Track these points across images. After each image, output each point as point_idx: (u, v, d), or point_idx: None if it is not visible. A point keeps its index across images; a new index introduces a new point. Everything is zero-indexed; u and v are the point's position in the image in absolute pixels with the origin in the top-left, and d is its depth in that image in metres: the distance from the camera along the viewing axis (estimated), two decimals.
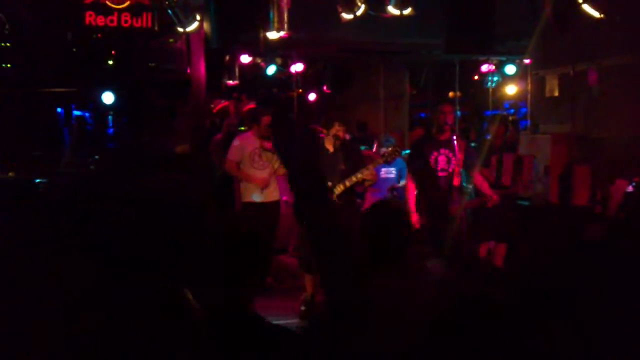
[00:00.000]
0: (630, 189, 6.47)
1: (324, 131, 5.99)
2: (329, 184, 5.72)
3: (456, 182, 6.14)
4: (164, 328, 2.17)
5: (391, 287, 2.63)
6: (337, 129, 5.82)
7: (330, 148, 5.86)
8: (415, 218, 6.02)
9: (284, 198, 7.16)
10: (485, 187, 6.15)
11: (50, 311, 2.50)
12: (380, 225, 2.78)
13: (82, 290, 2.64)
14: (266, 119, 6.86)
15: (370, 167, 5.70)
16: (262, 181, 6.82)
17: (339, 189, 5.60)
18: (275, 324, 2.32)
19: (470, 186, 6.72)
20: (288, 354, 2.23)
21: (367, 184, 5.94)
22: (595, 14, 6.84)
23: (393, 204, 3.32)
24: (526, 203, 7.44)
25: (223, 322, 2.23)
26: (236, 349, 2.18)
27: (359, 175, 5.66)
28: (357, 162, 5.81)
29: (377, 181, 7.51)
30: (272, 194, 6.96)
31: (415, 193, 6.13)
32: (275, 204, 7.01)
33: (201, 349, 2.14)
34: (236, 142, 7.06)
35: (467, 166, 6.19)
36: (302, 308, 6.01)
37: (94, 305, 2.38)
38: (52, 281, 2.74)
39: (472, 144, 7.39)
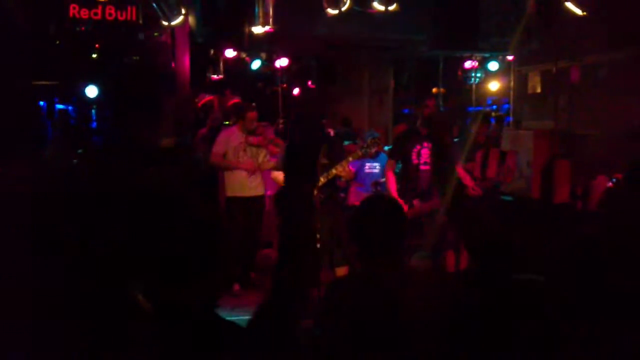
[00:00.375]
0: (610, 185, 6.56)
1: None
2: None
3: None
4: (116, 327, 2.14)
5: (386, 280, 2.60)
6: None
7: None
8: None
9: (268, 192, 7.16)
10: (467, 180, 6.20)
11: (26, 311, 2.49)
12: (378, 219, 2.71)
13: (54, 288, 2.63)
14: (251, 114, 6.87)
15: (344, 162, 5.70)
16: (250, 165, 6.82)
17: (320, 182, 5.61)
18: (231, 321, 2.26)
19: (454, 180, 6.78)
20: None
21: (343, 179, 5.95)
22: (578, 11, 6.91)
23: (389, 198, 3.23)
24: (509, 198, 7.51)
25: (188, 321, 2.17)
26: (197, 348, 2.14)
27: (333, 171, 5.67)
28: (338, 156, 5.82)
29: (361, 176, 7.55)
30: (257, 188, 6.96)
31: (395, 184, 6.17)
32: (260, 199, 7.01)
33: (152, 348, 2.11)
34: (221, 136, 7.05)
35: (450, 159, 6.24)
36: None
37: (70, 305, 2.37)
38: (25, 278, 2.73)
39: (455, 140, 7.44)
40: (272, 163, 6.69)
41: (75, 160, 9.16)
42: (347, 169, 5.74)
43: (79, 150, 9.60)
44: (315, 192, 5.54)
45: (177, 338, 2.10)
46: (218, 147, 6.94)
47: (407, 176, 6.18)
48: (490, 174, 6.84)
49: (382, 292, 2.51)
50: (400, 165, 6.32)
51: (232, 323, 2.22)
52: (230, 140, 6.92)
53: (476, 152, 6.68)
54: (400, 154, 6.23)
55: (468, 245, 2.55)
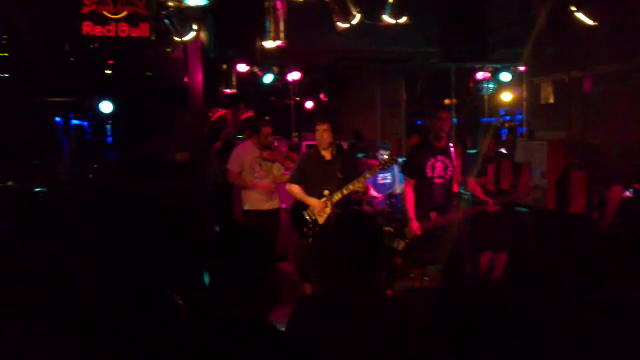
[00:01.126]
0: (627, 194, 6.52)
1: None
2: (326, 192, 5.73)
3: (455, 188, 6.17)
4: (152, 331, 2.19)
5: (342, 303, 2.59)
6: (318, 128, 5.82)
7: (327, 155, 5.86)
8: (415, 225, 6.05)
9: (283, 205, 7.19)
10: (478, 192, 6.17)
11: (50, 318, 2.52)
12: (351, 237, 2.70)
13: (78, 297, 2.66)
14: (266, 129, 6.92)
15: (362, 179, 5.69)
16: (267, 186, 6.87)
17: (336, 197, 5.61)
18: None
19: (469, 193, 6.75)
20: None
21: (360, 194, 5.95)
22: (589, 21, 6.90)
23: (364, 215, 3.21)
24: (525, 210, 7.48)
25: (239, 328, 2.22)
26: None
27: (350, 187, 5.67)
28: (353, 170, 5.82)
29: (374, 187, 7.56)
30: (273, 202, 7.01)
31: (413, 200, 6.15)
32: (276, 212, 7.06)
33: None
34: (236, 152, 7.11)
35: (465, 173, 6.23)
36: None
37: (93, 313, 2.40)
38: (49, 289, 2.76)
39: (469, 152, 7.43)
40: (286, 176, 6.72)
41: (90, 175, 9.25)
42: (364, 184, 5.74)
43: (95, 165, 9.69)
44: (332, 208, 5.54)
45: (223, 346, 2.15)
46: (233, 165, 6.99)
47: (422, 190, 6.16)
48: (505, 185, 6.81)
49: (347, 307, 2.51)
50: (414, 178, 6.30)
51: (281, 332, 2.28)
52: (245, 155, 6.98)
53: (487, 166, 6.66)
54: (415, 170, 6.21)
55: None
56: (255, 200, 6.94)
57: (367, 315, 2.49)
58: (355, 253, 2.67)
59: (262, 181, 6.94)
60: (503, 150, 7.88)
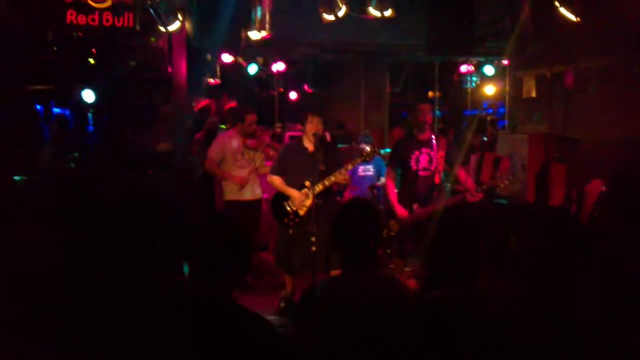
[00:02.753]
0: (604, 188, 6.59)
1: (302, 128, 6.03)
2: (307, 182, 5.75)
3: (437, 179, 6.21)
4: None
5: (362, 287, 2.63)
6: (311, 120, 5.83)
7: (310, 147, 5.88)
8: (400, 211, 6.09)
9: (265, 196, 7.21)
10: (469, 183, 6.21)
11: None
12: (355, 224, 2.75)
13: (58, 284, 2.67)
14: (251, 117, 6.92)
15: (343, 170, 5.71)
16: (241, 180, 6.87)
17: (318, 188, 5.63)
18: (255, 313, 2.37)
19: (449, 184, 6.81)
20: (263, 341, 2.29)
21: (342, 185, 5.98)
22: (572, 17, 6.96)
23: (366, 201, 3.23)
24: (504, 201, 7.56)
25: (204, 308, 2.28)
26: (213, 334, 2.23)
27: (332, 178, 5.69)
28: (336, 162, 5.84)
29: (356, 179, 7.59)
30: (256, 191, 7.02)
31: (395, 190, 6.20)
32: (257, 202, 7.06)
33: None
34: (219, 140, 7.10)
35: (449, 163, 6.26)
36: (281, 305, 6.07)
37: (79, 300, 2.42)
38: (30, 277, 2.76)
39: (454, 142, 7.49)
40: (268, 167, 6.73)
41: (72, 164, 9.19)
42: (345, 175, 5.76)
43: (76, 154, 9.63)
44: (313, 199, 5.55)
45: (200, 325, 2.19)
46: (214, 153, 6.98)
47: (407, 182, 6.20)
48: (485, 178, 6.88)
49: (354, 299, 2.54)
50: (399, 171, 6.34)
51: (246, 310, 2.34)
52: (228, 144, 6.96)
53: (470, 156, 6.71)
54: (399, 161, 6.25)
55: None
56: (235, 191, 6.93)
57: (377, 299, 2.53)
58: (366, 240, 2.73)
59: (240, 171, 6.93)
60: (485, 139, 7.97)
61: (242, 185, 6.88)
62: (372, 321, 2.46)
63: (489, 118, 11.36)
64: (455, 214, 2.69)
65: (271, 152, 7.09)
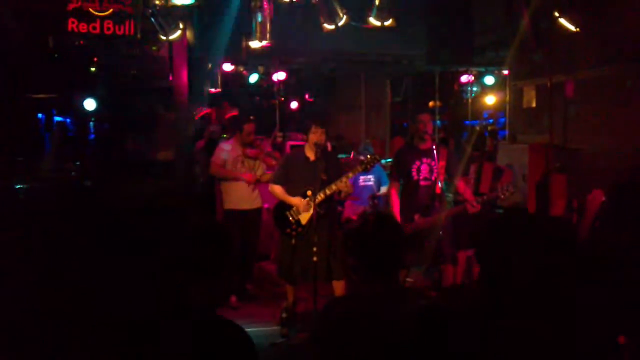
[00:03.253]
0: (605, 198, 6.59)
1: (305, 137, 6.03)
2: (309, 192, 5.75)
3: (438, 190, 6.21)
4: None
5: (383, 299, 2.58)
6: (315, 131, 5.83)
7: (312, 156, 5.88)
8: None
9: (266, 205, 7.20)
10: (468, 194, 6.21)
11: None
12: (378, 236, 2.67)
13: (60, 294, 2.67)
14: (248, 127, 6.92)
15: (344, 179, 5.71)
16: (250, 177, 6.86)
17: (319, 198, 5.62)
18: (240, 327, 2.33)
19: (451, 195, 6.80)
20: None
21: (343, 194, 5.97)
22: (572, 27, 6.98)
23: (387, 215, 3.15)
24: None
25: (189, 320, 2.26)
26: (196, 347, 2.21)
27: (333, 187, 5.68)
28: (337, 171, 5.83)
29: (356, 189, 7.58)
30: (255, 201, 7.00)
31: (398, 203, 6.19)
32: (257, 211, 7.04)
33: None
34: (220, 147, 7.11)
35: (450, 173, 6.26)
36: (283, 315, 6.05)
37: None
38: (30, 285, 2.76)
39: (454, 153, 7.49)
40: (268, 175, 6.72)
41: (72, 172, 9.20)
42: (347, 184, 5.75)
43: (77, 163, 9.65)
44: (314, 208, 5.55)
45: (179, 336, 2.18)
46: (217, 158, 6.98)
47: (408, 192, 6.20)
48: (484, 189, 6.87)
49: (378, 311, 2.52)
50: (400, 182, 6.33)
51: (231, 322, 2.30)
52: (228, 152, 6.97)
53: (470, 166, 6.70)
54: (401, 173, 6.24)
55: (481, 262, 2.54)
56: (235, 200, 6.91)
57: (393, 319, 2.49)
58: (385, 256, 2.66)
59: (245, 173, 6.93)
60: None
61: (251, 182, 6.88)
62: (390, 337, 2.43)
63: (489, 128, 11.35)
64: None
65: (272, 162, 7.09)
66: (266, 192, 6.68)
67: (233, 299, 6.74)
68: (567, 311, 2.18)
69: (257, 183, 6.95)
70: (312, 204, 5.63)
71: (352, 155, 8.84)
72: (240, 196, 6.90)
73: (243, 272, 6.98)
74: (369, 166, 5.86)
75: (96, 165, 10.13)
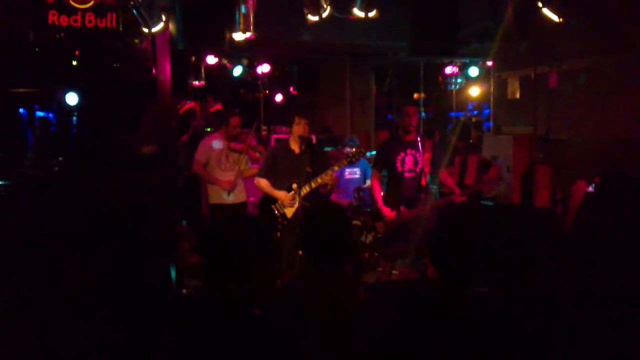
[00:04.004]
0: (590, 189, 6.62)
1: (289, 130, 6.01)
2: (295, 185, 5.74)
3: (423, 182, 6.22)
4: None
5: (328, 293, 2.57)
6: (298, 122, 5.83)
7: (296, 149, 5.87)
8: (386, 211, 6.07)
9: (251, 199, 7.18)
10: (449, 182, 6.23)
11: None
12: (321, 228, 2.69)
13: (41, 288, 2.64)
14: (235, 120, 6.88)
15: (330, 172, 5.70)
16: (228, 184, 6.83)
17: (304, 190, 5.61)
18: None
19: (435, 186, 6.82)
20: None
21: (328, 187, 5.97)
22: (555, 17, 7.00)
23: (335, 205, 3.18)
24: (490, 203, 7.57)
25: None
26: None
27: (319, 180, 5.68)
28: (322, 164, 5.84)
29: (342, 182, 7.58)
30: (240, 195, 6.98)
31: (380, 192, 6.20)
32: (242, 205, 7.02)
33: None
34: (204, 142, 7.07)
35: (435, 166, 6.28)
36: None
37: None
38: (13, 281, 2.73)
39: (438, 144, 7.50)
40: (254, 170, 6.71)
41: (55, 168, 9.10)
42: (333, 177, 5.75)
43: (59, 158, 9.54)
44: (300, 201, 5.55)
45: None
46: (200, 156, 6.96)
47: (392, 184, 6.20)
48: (469, 181, 6.89)
49: (310, 304, 2.50)
50: (385, 173, 6.34)
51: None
52: (213, 147, 6.94)
53: (454, 158, 6.72)
54: (384, 163, 6.26)
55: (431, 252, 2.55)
56: (219, 195, 6.91)
57: (337, 307, 2.48)
58: (323, 245, 2.65)
59: (224, 174, 6.91)
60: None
61: (230, 189, 6.84)
62: (327, 327, 2.41)
63: (473, 120, 11.38)
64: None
65: (256, 155, 7.07)
66: (252, 186, 6.66)
67: None
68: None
69: (242, 177, 6.92)
70: (297, 197, 5.62)
71: (338, 149, 8.82)
72: (221, 190, 6.89)
73: None
74: (354, 159, 5.86)
75: (79, 160, 10.03)
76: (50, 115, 11.83)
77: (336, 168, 5.78)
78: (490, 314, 2.17)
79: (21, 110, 11.12)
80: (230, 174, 6.90)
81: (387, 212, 6.08)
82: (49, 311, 2.49)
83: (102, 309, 2.45)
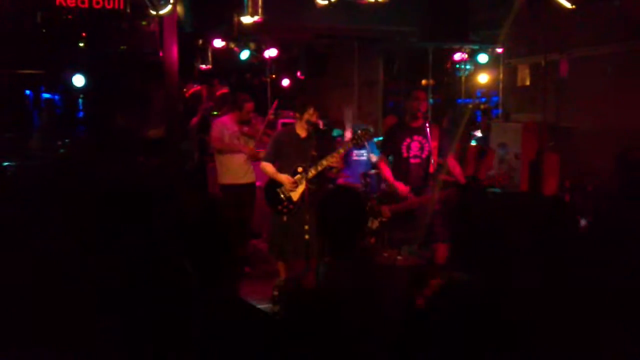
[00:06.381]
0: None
1: (297, 115, 5.99)
2: (300, 168, 5.75)
3: (431, 169, 6.18)
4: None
5: (344, 278, 2.59)
6: (311, 114, 5.82)
7: (302, 133, 5.86)
8: (401, 187, 6.02)
9: (258, 183, 7.19)
10: (457, 172, 6.18)
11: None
12: (338, 212, 2.70)
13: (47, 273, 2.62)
14: (249, 105, 7.02)
15: (335, 154, 5.70)
16: (250, 151, 6.98)
17: (311, 173, 5.61)
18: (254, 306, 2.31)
19: (443, 174, 6.77)
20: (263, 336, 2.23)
21: (335, 170, 5.96)
22: (567, 4, 6.92)
23: (350, 189, 3.18)
24: (497, 190, 7.52)
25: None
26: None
27: (324, 162, 5.67)
28: (328, 148, 5.83)
29: (349, 164, 7.56)
30: (249, 175, 7.10)
31: (388, 169, 6.16)
32: (252, 186, 7.16)
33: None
34: (217, 122, 7.22)
35: (442, 154, 6.22)
36: (275, 293, 6.03)
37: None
38: (20, 265, 2.71)
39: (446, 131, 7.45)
40: (260, 153, 6.73)
41: (61, 150, 9.10)
42: (338, 159, 5.75)
43: (66, 140, 9.54)
44: (306, 184, 5.54)
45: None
46: (217, 133, 7.08)
47: (398, 170, 6.16)
48: (469, 171, 6.84)
49: (341, 285, 2.51)
50: (391, 159, 6.30)
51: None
52: (225, 129, 7.07)
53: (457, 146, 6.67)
54: (390, 148, 6.22)
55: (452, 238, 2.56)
56: (230, 175, 7.03)
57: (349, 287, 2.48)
58: (336, 227, 2.66)
59: (236, 156, 7.03)
60: (477, 133, 7.87)
61: (251, 154, 6.96)
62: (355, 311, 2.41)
63: (482, 107, 11.31)
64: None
65: (267, 139, 7.14)
66: (259, 170, 6.70)
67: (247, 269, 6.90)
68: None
69: (253, 159, 6.99)
70: (302, 180, 5.63)
71: (345, 134, 8.79)
72: (235, 170, 7.02)
73: (237, 248, 7.05)
74: (360, 141, 5.83)
75: (85, 142, 10.03)
76: (57, 97, 11.81)
77: (341, 151, 5.78)
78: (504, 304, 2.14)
79: (27, 92, 11.10)
80: (241, 156, 7.02)
81: (401, 186, 6.03)
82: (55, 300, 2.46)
83: (111, 299, 2.42)
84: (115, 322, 2.28)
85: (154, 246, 2.73)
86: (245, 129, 7.08)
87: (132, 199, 3.50)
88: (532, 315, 2.10)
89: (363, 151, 7.80)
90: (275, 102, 8.23)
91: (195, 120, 9.07)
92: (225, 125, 7.08)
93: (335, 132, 9.38)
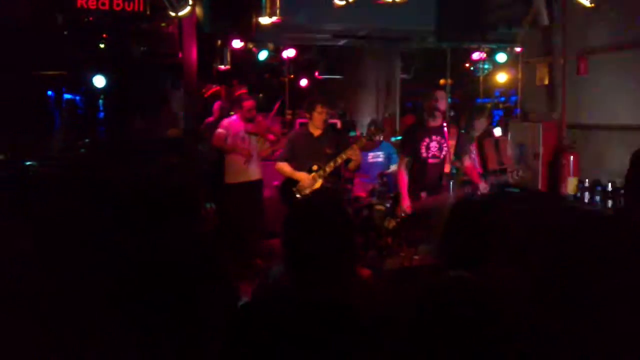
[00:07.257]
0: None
1: (307, 115, 6.06)
2: (315, 166, 5.80)
3: (447, 168, 6.16)
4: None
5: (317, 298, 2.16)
6: (320, 112, 5.87)
7: (316, 132, 5.92)
8: (406, 203, 6.04)
9: (274, 183, 7.23)
10: (475, 175, 6.15)
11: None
12: (308, 227, 2.21)
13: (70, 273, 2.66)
14: (247, 104, 7.11)
15: (354, 146, 5.75)
16: (247, 151, 7.06)
17: (329, 168, 5.66)
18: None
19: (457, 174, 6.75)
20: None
21: (352, 165, 5.97)
22: (587, 3, 6.87)
23: (329, 201, 2.39)
24: (516, 190, 7.49)
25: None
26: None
27: (343, 156, 5.72)
28: (343, 144, 5.87)
29: (365, 166, 7.56)
30: (253, 173, 7.19)
31: (405, 179, 6.14)
32: (257, 183, 7.24)
33: None
34: (224, 122, 7.34)
35: (458, 154, 6.20)
36: None
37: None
38: (42, 264, 2.75)
39: (462, 131, 7.43)
40: (269, 150, 6.93)
41: (82, 150, 9.21)
42: (356, 151, 5.79)
43: (86, 140, 9.65)
44: (321, 181, 5.59)
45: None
46: (220, 131, 7.20)
47: (416, 170, 6.14)
48: (492, 165, 6.81)
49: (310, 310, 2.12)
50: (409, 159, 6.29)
51: None
52: (231, 127, 7.17)
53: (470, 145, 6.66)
54: (410, 149, 6.17)
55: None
56: (234, 174, 7.15)
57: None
58: (317, 246, 2.22)
59: (240, 156, 7.12)
60: (496, 132, 7.79)
61: (247, 157, 7.05)
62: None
63: (500, 106, 11.27)
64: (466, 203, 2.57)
65: (272, 137, 7.31)
66: (272, 169, 6.79)
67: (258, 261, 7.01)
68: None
69: (258, 155, 7.12)
70: (318, 178, 5.69)
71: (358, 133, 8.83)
72: (237, 169, 7.13)
73: (250, 247, 7.12)
74: (372, 138, 5.87)
75: (106, 142, 10.13)
76: (78, 97, 11.95)
77: (356, 146, 5.83)
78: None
79: (49, 92, 11.24)
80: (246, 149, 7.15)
81: (405, 203, 6.02)
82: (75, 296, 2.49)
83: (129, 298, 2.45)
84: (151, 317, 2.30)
85: (194, 244, 2.77)
86: (250, 126, 7.16)
87: (150, 199, 3.54)
88: (545, 315, 2.10)
89: (379, 152, 7.80)
90: (278, 102, 8.32)
91: (211, 119, 9.16)
92: (231, 125, 7.19)
93: (352, 133, 9.40)
